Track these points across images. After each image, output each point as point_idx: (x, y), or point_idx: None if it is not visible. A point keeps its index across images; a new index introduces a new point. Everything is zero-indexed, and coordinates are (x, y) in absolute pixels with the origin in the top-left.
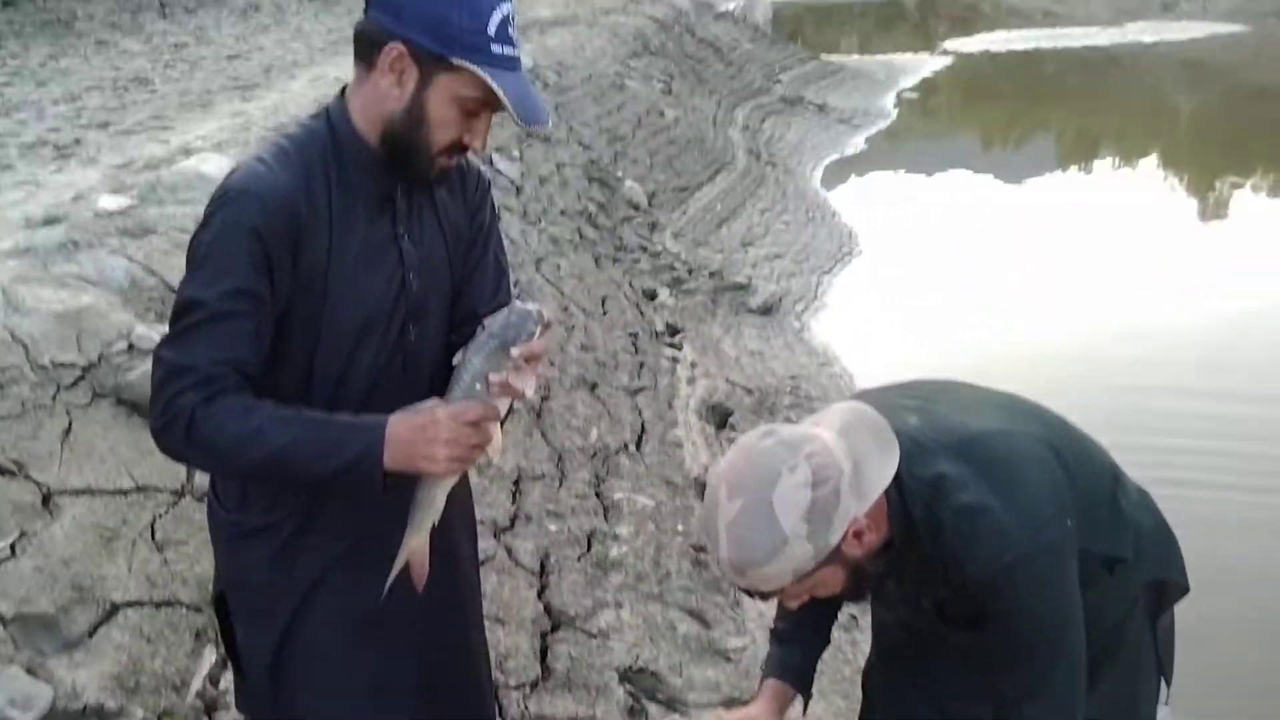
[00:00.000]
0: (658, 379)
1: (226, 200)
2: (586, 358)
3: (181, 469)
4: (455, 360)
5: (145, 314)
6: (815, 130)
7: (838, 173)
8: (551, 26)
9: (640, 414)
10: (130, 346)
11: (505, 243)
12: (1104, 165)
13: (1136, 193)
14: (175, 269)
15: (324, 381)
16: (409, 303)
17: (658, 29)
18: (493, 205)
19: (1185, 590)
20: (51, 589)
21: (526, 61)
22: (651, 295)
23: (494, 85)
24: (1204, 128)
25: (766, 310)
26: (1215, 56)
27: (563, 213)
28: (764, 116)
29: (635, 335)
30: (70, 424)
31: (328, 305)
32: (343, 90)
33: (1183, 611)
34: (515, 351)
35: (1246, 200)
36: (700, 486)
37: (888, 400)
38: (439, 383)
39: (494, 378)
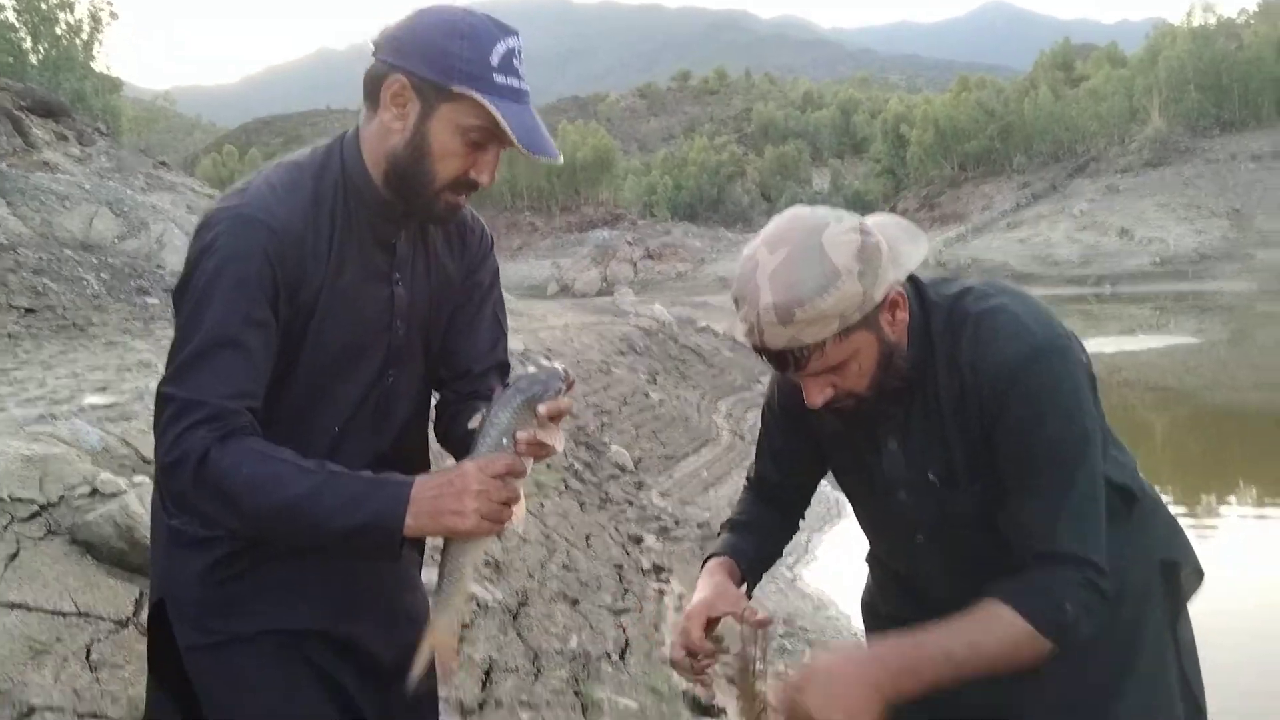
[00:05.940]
0: (644, 604)
1: (235, 225)
2: (569, 576)
3: (127, 600)
4: (472, 424)
5: (117, 471)
6: None
7: None
8: (540, 330)
9: (625, 631)
10: (94, 491)
11: None
12: None
13: None
14: (151, 445)
15: (292, 411)
16: (392, 345)
17: (642, 334)
18: (495, 266)
19: (1200, 577)
20: None
21: (516, 344)
22: (638, 540)
23: (493, 110)
24: (1180, 445)
25: None
26: (1180, 381)
27: (548, 465)
28: (746, 408)
29: (620, 567)
30: (18, 551)
31: (310, 333)
32: (356, 130)
33: None
34: (542, 409)
35: (1233, 514)
36: (689, 699)
37: None
38: (407, 435)
39: (521, 435)
